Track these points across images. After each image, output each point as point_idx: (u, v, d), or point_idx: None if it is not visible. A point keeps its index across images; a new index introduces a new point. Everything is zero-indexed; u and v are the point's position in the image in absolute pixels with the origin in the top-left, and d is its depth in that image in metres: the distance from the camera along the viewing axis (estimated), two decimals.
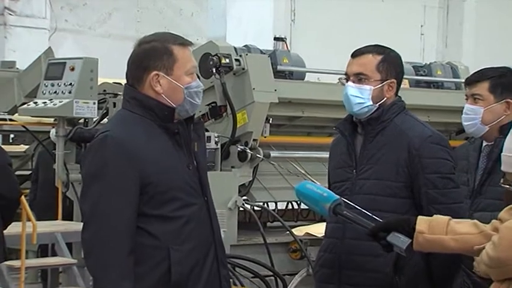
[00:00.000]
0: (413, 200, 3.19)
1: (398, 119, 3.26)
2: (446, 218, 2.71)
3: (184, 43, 2.94)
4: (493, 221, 2.59)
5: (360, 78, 3.26)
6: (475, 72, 3.79)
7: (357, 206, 2.96)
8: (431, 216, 2.78)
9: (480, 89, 3.64)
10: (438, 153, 3.20)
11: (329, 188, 3.36)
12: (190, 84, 2.92)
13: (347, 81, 3.29)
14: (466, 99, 3.71)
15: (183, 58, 2.91)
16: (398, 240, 2.74)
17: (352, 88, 3.25)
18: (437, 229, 2.67)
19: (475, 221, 2.68)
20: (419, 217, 2.75)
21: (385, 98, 3.26)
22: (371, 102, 3.24)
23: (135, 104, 2.92)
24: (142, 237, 2.83)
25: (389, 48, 3.33)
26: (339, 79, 5.65)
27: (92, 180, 2.85)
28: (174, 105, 2.92)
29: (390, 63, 3.28)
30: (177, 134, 2.92)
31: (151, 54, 2.90)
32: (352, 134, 3.31)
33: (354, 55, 3.30)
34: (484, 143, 3.69)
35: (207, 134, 5.03)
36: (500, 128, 3.62)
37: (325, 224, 3.42)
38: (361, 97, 3.24)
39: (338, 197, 2.96)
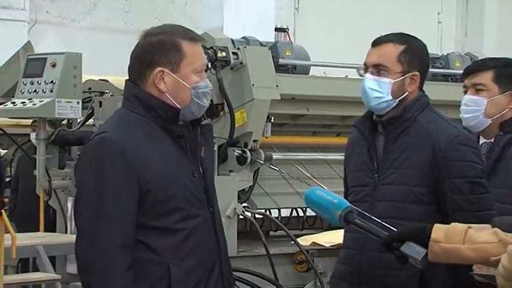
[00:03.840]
0: (439, 207, 3.20)
1: (423, 117, 3.26)
2: (465, 225, 2.70)
3: (194, 38, 2.93)
4: None
5: (379, 70, 3.26)
6: (476, 62, 3.80)
7: (371, 216, 2.96)
8: None
9: (483, 78, 3.65)
10: (466, 155, 3.20)
11: (347, 193, 3.37)
12: (198, 84, 2.91)
13: (366, 72, 3.29)
14: (465, 91, 3.72)
15: (192, 55, 2.90)
16: (413, 250, 2.74)
17: (370, 81, 3.25)
18: (454, 237, 2.67)
19: (496, 229, 2.67)
20: (436, 225, 2.75)
21: (407, 93, 3.27)
22: (390, 97, 3.24)
23: (136, 103, 2.91)
24: (141, 251, 2.83)
25: (414, 37, 3.32)
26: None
27: (87, 187, 2.85)
28: (179, 106, 2.91)
29: (413, 53, 3.27)
30: (181, 137, 2.91)
31: (157, 48, 2.89)
32: (372, 133, 3.30)
33: (374, 44, 3.30)
34: (482, 140, 3.70)
35: None
36: (500, 124, 3.63)
37: (333, 232, 3.44)
38: (379, 91, 3.24)
39: (349, 204, 2.96)
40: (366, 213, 2.97)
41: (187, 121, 2.94)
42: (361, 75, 3.36)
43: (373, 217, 2.95)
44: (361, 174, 3.30)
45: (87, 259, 2.82)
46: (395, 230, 2.85)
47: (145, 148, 2.84)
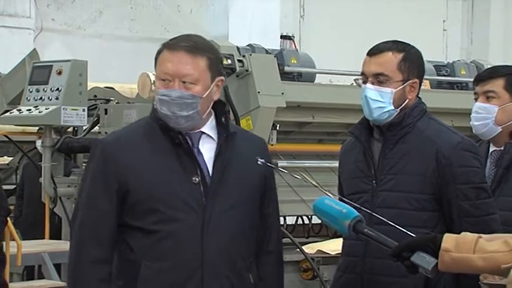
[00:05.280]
0: (442, 213, 3.20)
1: (422, 124, 3.25)
2: (476, 235, 2.67)
3: (169, 46, 2.97)
4: None
5: (379, 79, 3.23)
6: (487, 69, 3.81)
7: (385, 220, 2.94)
8: (463, 230, 2.77)
9: (494, 85, 3.65)
10: (469, 161, 3.20)
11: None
12: (158, 89, 2.97)
13: (364, 82, 3.27)
14: (476, 98, 3.72)
15: (159, 62, 2.98)
16: (424, 260, 2.71)
17: (371, 91, 3.22)
18: (464, 247, 2.63)
19: (507, 238, 2.65)
20: (446, 234, 2.73)
21: (407, 100, 3.25)
22: (392, 107, 3.22)
23: (153, 111, 3.02)
24: (123, 249, 2.95)
25: (410, 45, 3.32)
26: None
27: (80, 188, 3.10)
28: None
29: (412, 61, 3.26)
30: (178, 144, 2.93)
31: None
32: (368, 139, 3.30)
33: (372, 53, 3.26)
34: (492, 148, 3.69)
35: None
36: (510, 132, 3.62)
37: (338, 240, 3.41)
38: (381, 101, 3.22)
39: (358, 213, 2.93)
40: (383, 219, 2.94)
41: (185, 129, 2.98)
42: (359, 85, 3.33)
43: (391, 222, 2.92)
44: (358, 181, 3.28)
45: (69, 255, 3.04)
46: (409, 233, 2.83)
47: (134, 151, 2.93)
